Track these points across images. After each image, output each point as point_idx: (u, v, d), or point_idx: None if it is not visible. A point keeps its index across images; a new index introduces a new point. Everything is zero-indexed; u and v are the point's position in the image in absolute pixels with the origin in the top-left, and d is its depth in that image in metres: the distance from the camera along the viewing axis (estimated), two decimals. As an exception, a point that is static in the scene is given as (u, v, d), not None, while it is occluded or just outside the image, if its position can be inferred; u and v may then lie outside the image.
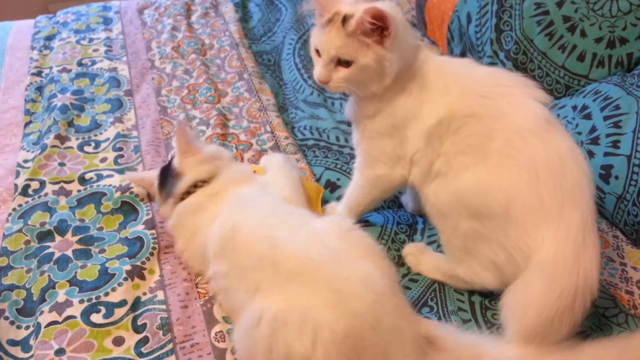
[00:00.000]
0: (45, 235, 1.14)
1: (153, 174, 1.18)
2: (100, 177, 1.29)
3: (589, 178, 0.92)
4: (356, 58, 0.96)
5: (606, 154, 1.14)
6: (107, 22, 1.94)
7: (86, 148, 1.38)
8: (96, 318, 0.98)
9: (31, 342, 0.96)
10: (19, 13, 2.54)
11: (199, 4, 2.07)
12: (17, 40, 1.85)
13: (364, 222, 1.19)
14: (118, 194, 1.22)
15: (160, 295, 1.03)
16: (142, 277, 1.06)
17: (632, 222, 1.10)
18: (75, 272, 1.05)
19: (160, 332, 0.97)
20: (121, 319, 0.98)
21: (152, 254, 1.10)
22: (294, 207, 1.03)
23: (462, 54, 1.57)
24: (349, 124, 1.36)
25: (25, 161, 1.33)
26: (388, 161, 1.06)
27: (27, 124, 1.47)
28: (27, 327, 0.99)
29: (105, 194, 1.23)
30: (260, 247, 0.90)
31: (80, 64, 1.70)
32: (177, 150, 1.13)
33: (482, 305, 1.02)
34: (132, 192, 1.23)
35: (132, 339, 0.96)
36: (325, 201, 1.22)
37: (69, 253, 1.10)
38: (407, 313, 0.89)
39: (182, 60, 1.75)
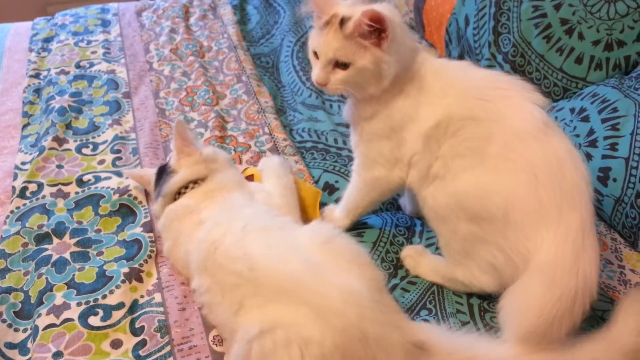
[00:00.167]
0: (43, 238, 1.14)
1: (152, 172, 1.18)
2: (98, 180, 1.28)
3: (588, 180, 0.92)
4: (354, 60, 0.97)
5: (604, 157, 1.14)
6: (105, 24, 1.94)
7: (84, 150, 1.38)
8: (94, 321, 0.97)
9: (29, 345, 0.96)
10: (17, 15, 2.54)
11: (197, 6, 2.07)
12: (15, 42, 1.85)
13: (362, 224, 1.19)
14: (116, 197, 1.22)
15: (157, 297, 1.03)
16: (140, 280, 1.05)
17: (630, 224, 1.10)
18: (73, 275, 1.05)
19: (158, 334, 0.96)
20: (119, 321, 0.98)
21: (149, 256, 1.09)
22: (279, 217, 1.02)
23: (460, 57, 1.57)
24: (347, 126, 1.36)
25: (23, 163, 1.33)
26: (386, 163, 1.06)
27: (24, 126, 1.47)
28: (25, 330, 0.99)
29: (103, 196, 1.23)
30: (238, 266, 0.89)
31: (78, 66, 1.70)
32: (174, 148, 1.13)
33: (480, 307, 1.02)
34: (130, 195, 1.23)
35: (130, 341, 0.95)
36: (323, 203, 1.21)
37: (67, 255, 1.10)
38: (395, 321, 0.87)
39: (180, 63, 1.75)
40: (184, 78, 1.68)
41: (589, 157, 1.16)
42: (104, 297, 1.01)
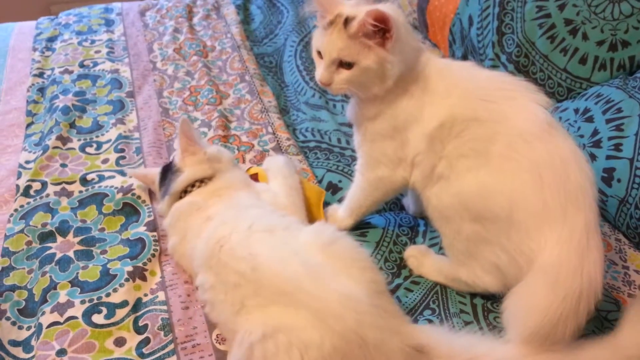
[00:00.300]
0: (46, 236, 1.14)
1: (156, 171, 1.19)
2: (102, 179, 1.29)
3: (592, 181, 0.92)
4: (358, 60, 0.97)
5: (608, 157, 1.14)
6: (109, 23, 1.95)
7: (88, 149, 1.39)
8: (97, 319, 0.97)
9: (32, 342, 0.96)
10: (21, 14, 2.54)
11: (201, 6, 2.07)
12: (19, 41, 1.86)
13: (365, 224, 1.19)
14: (120, 195, 1.22)
15: (161, 296, 1.03)
16: (144, 278, 1.05)
17: (635, 225, 1.10)
18: (77, 273, 1.05)
19: (162, 332, 0.96)
20: (122, 319, 0.98)
21: (153, 255, 1.10)
22: (284, 218, 1.02)
23: (464, 57, 1.57)
24: (350, 126, 1.36)
25: (27, 162, 1.33)
26: (389, 163, 1.06)
27: (28, 125, 1.48)
28: (29, 328, 0.99)
29: (107, 195, 1.23)
30: (242, 265, 0.89)
31: (82, 65, 1.71)
32: (179, 147, 1.13)
33: (484, 307, 1.02)
34: (133, 194, 1.23)
35: (133, 339, 0.96)
36: (327, 203, 1.21)
37: (71, 254, 1.10)
38: (395, 325, 0.86)
39: (183, 62, 1.75)
40: (187, 77, 1.68)
41: (593, 157, 1.16)
42: (108, 295, 1.01)
